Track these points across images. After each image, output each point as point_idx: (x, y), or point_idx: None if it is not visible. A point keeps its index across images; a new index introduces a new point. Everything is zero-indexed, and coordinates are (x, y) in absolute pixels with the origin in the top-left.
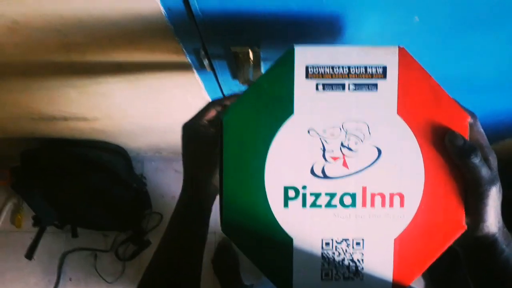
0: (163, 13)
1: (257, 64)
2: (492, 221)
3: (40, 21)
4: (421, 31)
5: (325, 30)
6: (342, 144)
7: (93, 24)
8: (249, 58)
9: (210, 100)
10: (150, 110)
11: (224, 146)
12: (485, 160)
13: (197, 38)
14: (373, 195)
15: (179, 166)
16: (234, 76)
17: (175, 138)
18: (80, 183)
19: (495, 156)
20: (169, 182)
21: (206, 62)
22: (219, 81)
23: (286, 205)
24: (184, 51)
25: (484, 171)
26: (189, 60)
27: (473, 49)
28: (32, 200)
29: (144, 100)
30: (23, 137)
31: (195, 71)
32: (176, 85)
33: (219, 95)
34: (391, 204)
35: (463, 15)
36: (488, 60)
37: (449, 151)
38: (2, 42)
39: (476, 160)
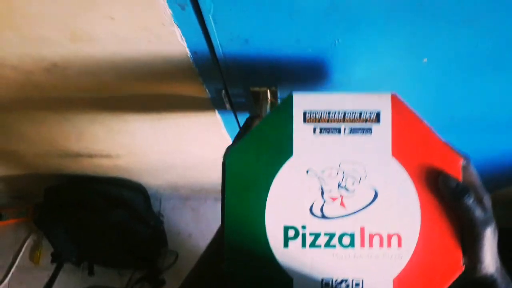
0: (189, 56)
1: (274, 103)
2: (489, 262)
3: (77, 64)
4: (430, 71)
5: (338, 70)
6: (339, 185)
7: (125, 66)
8: (267, 97)
9: (228, 138)
10: (172, 148)
11: (226, 186)
12: (479, 201)
13: (219, 79)
14: (371, 236)
15: (196, 204)
16: (253, 114)
17: (194, 176)
18: (101, 219)
19: (489, 197)
20: (186, 221)
21: (226, 101)
22: (238, 119)
23: (286, 244)
24: (207, 91)
25: (478, 212)
26: (211, 99)
27: (484, 90)
28: (53, 235)
29: (166, 138)
30: (48, 174)
31: (216, 110)
32: (197, 124)
33: None
34: (389, 244)
35: (475, 56)
36: (499, 101)
37: (443, 193)
38: (40, 82)
39: (469, 201)
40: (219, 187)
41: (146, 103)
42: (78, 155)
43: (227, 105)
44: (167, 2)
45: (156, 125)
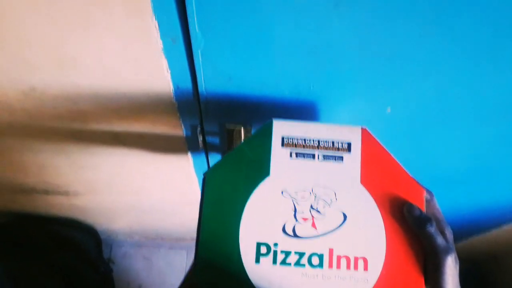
0: (171, 89)
1: None
2: None
3: (57, 90)
4: (394, 121)
5: (311, 115)
6: (311, 207)
7: (106, 96)
8: (241, 136)
9: (196, 183)
10: (134, 188)
11: (205, 200)
12: (442, 233)
13: (196, 115)
14: (339, 257)
15: (148, 253)
16: (224, 154)
17: (150, 221)
18: (49, 261)
19: (450, 230)
20: (137, 269)
21: (200, 138)
22: (209, 159)
23: (257, 260)
24: (183, 126)
25: (439, 240)
26: (185, 137)
27: (439, 144)
28: None
29: (131, 176)
30: None
31: (188, 150)
32: (166, 161)
33: None
34: (356, 267)
35: (431, 110)
36: (455, 155)
37: (408, 221)
38: (13, 105)
39: (432, 229)
40: (175, 234)
41: (119, 135)
42: (33, 191)
43: (200, 144)
44: (160, 34)
45: (124, 160)
